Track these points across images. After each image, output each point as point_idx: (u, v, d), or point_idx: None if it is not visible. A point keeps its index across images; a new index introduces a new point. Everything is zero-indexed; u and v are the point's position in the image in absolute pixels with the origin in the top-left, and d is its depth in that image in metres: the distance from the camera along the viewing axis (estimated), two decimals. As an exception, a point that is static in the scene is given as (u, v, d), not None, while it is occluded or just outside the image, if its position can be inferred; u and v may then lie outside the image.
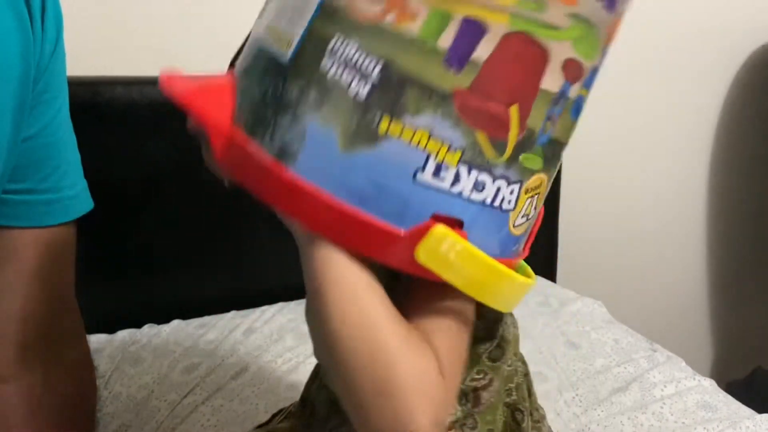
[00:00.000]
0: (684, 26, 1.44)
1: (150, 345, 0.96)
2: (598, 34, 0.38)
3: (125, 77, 0.98)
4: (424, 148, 0.35)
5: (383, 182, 0.35)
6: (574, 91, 0.38)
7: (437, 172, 0.35)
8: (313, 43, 0.35)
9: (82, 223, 0.66)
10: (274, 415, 0.69)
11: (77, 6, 0.94)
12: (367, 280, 0.36)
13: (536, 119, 0.37)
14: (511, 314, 0.52)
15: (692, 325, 1.71)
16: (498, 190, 0.37)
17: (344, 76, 0.35)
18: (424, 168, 0.35)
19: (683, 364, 0.94)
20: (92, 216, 0.66)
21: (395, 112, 0.34)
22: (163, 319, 1.04)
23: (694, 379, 0.90)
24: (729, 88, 1.56)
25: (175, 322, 1.03)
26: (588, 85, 0.40)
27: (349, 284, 0.36)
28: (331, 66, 0.35)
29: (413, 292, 0.39)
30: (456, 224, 0.36)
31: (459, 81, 0.35)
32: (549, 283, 1.26)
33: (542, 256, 1.35)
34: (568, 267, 1.41)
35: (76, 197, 0.64)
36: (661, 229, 1.58)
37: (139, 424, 0.79)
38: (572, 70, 0.37)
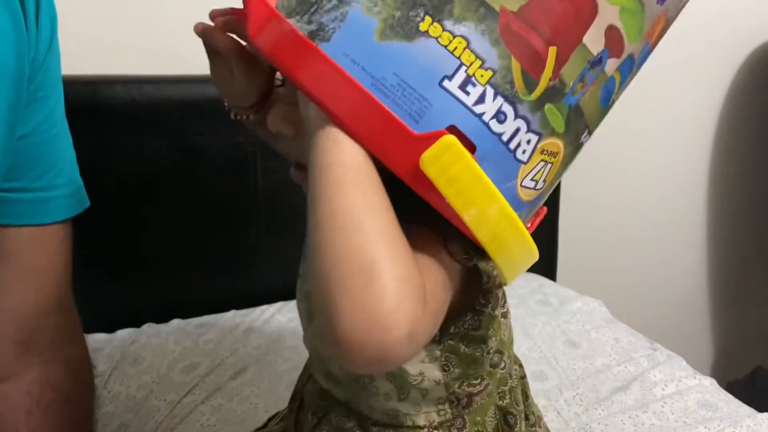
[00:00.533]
0: (684, 26, 1.43)
1: (149, 344, 0.95)
2: (644, 18, 0.38)
3: (124, 76, 0.98)
4: (458, 57, 0.35)
5: (409, 80, 0.35)
6: (610, 66, 0.38)
7: (464, 84, 0.35)
8: None
9: (81, 223, 0.65)
10: (270, 419, 0.69)
11: (77, 5, 0.95)
12: (374, 172, 0.36)
13: (570, 72, 0.37)
14: (504, 317, 0.51)
15: (692, 325, 1.71)
16: (517, 131, 0.37)
17: None
18: (452, 76, 0.35)
19: (684, 363, 0.94)
20: (92, 215, 0.66)
21: (439, 14, 0.35)
22: (163, 319, 1.04)
23: (695, 378, 0.89)
24: (729, 88, 1.56)
25: (175, 322, 1.03)
26: (623, 73, 0.40)
27: (356, 166, 0.35)
28: None
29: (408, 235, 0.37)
30: (469, 148, 0.35)
31: (509, 1, 0.35)
32: (549, 282, 1.25)
33: (542, 256, 1.34)
34: (568, 266, 1.40)
35: (72, 196, 0.63)
36: (661, 228, 1.58)
37: (139, 424, 0.78)
38: (613, 40, 0.38)
